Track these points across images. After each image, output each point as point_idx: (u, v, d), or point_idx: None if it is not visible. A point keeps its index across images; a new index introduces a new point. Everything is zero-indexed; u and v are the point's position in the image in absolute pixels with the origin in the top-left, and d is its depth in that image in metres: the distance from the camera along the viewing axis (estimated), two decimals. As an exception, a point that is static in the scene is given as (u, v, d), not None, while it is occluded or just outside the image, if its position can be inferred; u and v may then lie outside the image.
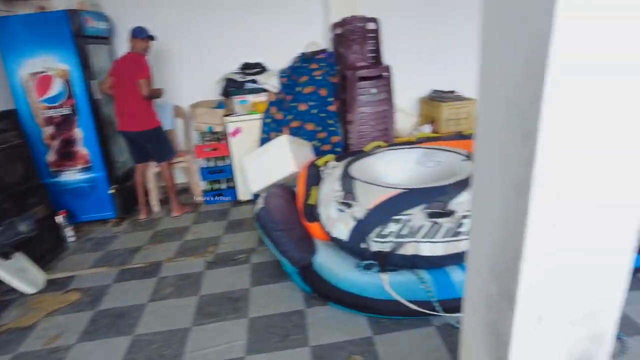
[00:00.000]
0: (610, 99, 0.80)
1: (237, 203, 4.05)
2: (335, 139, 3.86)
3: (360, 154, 2.96)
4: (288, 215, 2.70)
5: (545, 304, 0.97)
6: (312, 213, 2.58)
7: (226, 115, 3.86)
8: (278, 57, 4.13)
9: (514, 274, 0.95)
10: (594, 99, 0.80)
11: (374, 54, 3.91)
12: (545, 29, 0.76)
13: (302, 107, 3.77)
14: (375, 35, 3.88)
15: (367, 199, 2.19)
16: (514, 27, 0.88)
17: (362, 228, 2.14)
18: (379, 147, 3.14)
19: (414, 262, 2.08)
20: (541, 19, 0.77)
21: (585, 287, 0.97)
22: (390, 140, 3.92)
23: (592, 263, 0.95)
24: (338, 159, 3.00)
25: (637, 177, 0.88)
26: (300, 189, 2.91)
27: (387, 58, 3.99)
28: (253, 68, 3.98)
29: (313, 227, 2.53)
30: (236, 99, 3.92)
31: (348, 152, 3.48)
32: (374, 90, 3.69)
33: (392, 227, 2.06)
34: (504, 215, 0.97)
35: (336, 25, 3.92)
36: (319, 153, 3.75)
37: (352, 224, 2.18)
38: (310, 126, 3.80)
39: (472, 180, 1.11)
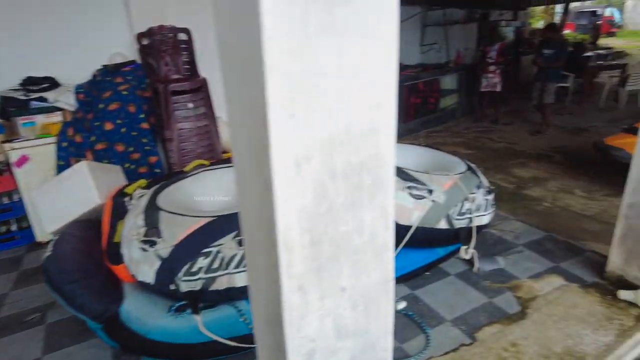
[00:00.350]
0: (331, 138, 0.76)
1: (35, 246, 3.34)
2: (153, 159, 3.49)
3: (174, 176, 2.69)
4: (88, 259, 2.28)
5: (318, 351, 0.91)
6: (117, 253, 2.22)
7: (7, 142, 3.14)
8: (74, 70, 3.54)
9: (281, 326, 0.86)
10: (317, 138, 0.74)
11: (189, 66, 3.66)
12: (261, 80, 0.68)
13: (108, 126, 3.30)
14: (188, 46, 3.63)
15: (174, 233, 1.96)
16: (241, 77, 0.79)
17: (168, 268, 1.89)
18: (202, 165, 2.92)
19: (230, 295, 1.93)
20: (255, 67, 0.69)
21: (355, 325, 0.94)
22: (217, 156, 3.73)
23: (357, 300, 0.92)
24: (149, 185, 2.67)
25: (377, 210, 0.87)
26: (105, 225, 2.50)
27: (207, 70, 3.77)
28: (40, 83, 3.33)
29: (120, 269, 2.18)
30: (19, 121, 3.22)
31: (165, 175, 3.17)
32: (190, 105, 3.44)
33: (201, 263, 1.87)
34: (265, 266, 0.87)
35: (142, 35, 3.55)
36: (136, 176, 3.33)
37: (157, 264, 1.92)
38: (120, 147, 3.35)
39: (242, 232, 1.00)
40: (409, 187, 2.29)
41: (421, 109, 7.18)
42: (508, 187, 4.43)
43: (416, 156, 2.93)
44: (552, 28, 6.64)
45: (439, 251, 2.52)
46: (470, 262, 2.55)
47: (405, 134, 6.85)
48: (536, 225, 3.13)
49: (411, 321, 2.10)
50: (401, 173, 2.36)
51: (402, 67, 6.95)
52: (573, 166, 5.07)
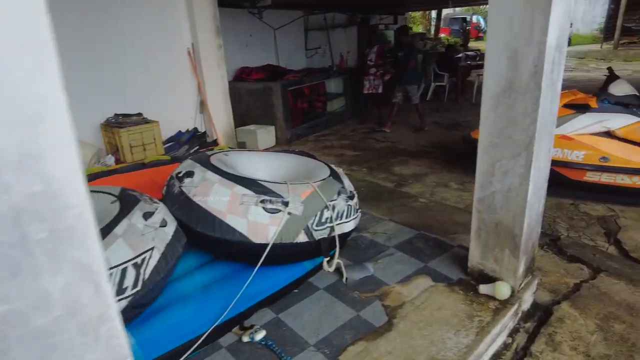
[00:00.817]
0: None
1: None
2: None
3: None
4: None
5: None
6: None
7: None
8: None
9: None
10: None
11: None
12: None
13: None
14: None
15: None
16: None
17: None
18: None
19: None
20: None
21: None
22: None
23: None
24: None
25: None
26: None
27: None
28: None
29: None
30: None
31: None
32: None
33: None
34: None
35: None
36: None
37: None
38: None
39: None
40: (262, 201, 2.07)
41: (309, 113, 7.12)
42: (388, 185, 4.48)
43: (280, 165, 2.74)
44: (403, 31, 6.94)
45: (306, 265, 2.34)
46: (340, 271, 2.41)
47: (295, 139, 6.73)
48: (409, 224, 3.12)
49: (271, 352, 1.87)
50: (255, 185, 2.13)
51: (285, 72, 6.83)
52: (449, 160, 5.33)
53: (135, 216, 1.99)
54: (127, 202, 2.11)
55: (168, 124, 4.27)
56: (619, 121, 3.81)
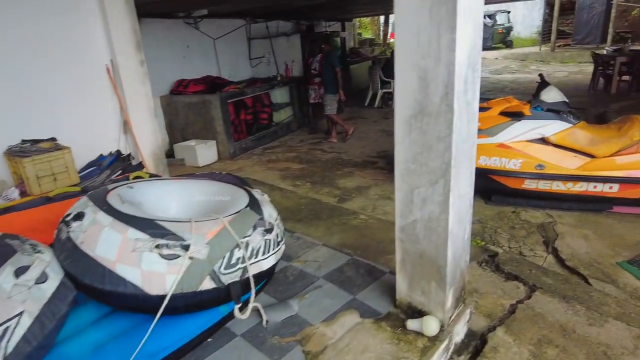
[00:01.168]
0: None
1: None
2: None
3: None
4: None
5: None
6: None
7: None
8: None
9: None
10: None
11: None
12: None
13: None
14: None
15: None
16: None
17: None
18: None
19: None
20: None
21: None
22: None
23: None
24: None
25: None
26: None
27: None
28: None
29: None
30: None
31: None
32: None
33: None
34: None
35: None
36: None
37: None
38: None
39: None
40: (158, 246, 1.81)
41: (254, 126, 6.87)
42: (330, 201, 4.30)
43: (195, 194, 2.48)
44: (325, 39, 6.85)
45: (222, 309, 2.10)
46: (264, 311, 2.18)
47: (240, 153, 6.46)
48: (345, 246, 2.95)
49: None
50: (151, 227, 1.87)
51: (226, 83, 6.54)
52: (393, 170, 5.23)
53: (4, 274, 1.69)
54: (-1, 255, 1.80)
55: (88, 147, 3.90)
56: (552, 128, 3.82)
